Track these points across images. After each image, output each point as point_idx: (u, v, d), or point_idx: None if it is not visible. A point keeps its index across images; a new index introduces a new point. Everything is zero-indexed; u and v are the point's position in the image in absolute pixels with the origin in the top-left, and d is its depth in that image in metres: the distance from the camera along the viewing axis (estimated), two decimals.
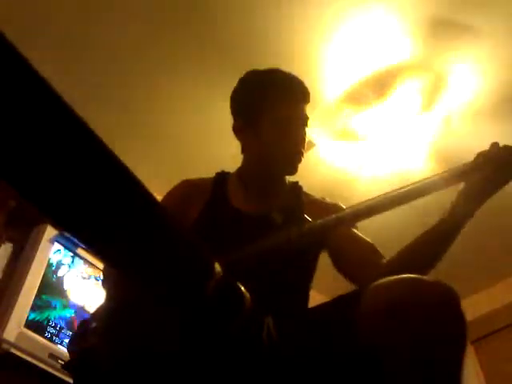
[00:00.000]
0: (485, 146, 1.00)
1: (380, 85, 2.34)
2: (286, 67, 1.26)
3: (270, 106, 1.21)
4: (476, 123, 2.44)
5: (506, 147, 0.97)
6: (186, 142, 2.60)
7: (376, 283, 0.80)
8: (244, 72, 1.29)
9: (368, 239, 1.14)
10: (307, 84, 1.26)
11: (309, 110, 1.25)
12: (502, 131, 2.38)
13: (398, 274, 0.80)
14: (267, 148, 1.21)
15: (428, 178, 1.01)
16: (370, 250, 1.12)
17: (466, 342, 0.74)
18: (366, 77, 2.31)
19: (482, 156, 0.98)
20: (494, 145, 0.99)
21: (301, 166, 1.22)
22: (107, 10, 2.08)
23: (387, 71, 2.29)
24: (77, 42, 2.18)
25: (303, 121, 1.24)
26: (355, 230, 1.16)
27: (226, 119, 1.29)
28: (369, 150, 2.57)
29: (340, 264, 1.15)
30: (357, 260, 1.12)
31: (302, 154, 1.22)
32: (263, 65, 1.28)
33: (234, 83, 1.29)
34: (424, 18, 2.09)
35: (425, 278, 0.79)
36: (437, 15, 2.07)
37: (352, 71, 2.30)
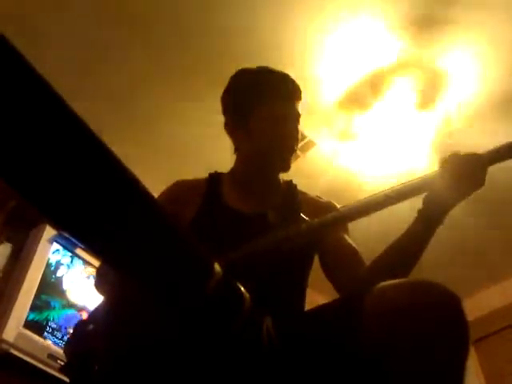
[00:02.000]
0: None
1: (376, 85, 2.35)
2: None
3: (261, 105, 1.21)
4: (477, 120, 2.43)
5: (466, 156, 0.96)
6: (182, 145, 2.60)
7: (379, 286, 0.81)
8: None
9: (354, 246, 1.15)
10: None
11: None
12: (504, 128, 2.38)
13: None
14: (259, 146, 1.21)
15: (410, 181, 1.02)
16: (352, 257, 1.12)
17: (467, 345, 0.73)
18: (361, 78, 2.33)
19: (443, 164, 0.98)
20: (455, 154, 0.98)
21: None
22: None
23: (381, 72, 2.30)
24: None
25: (294, 118, 1.24)
26: (345, 235, 1.17)
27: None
28: (369, 150, 2.57)
29: (324, 266, 1.17)
30: (338, 265, 1.13)
31: (293, 151, 1.23)
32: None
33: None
34: (407, 16, 2.11)
35: (427, 281, 0.79)
36: (419, 12, 2.09)
37: (347, 73, 2.32)
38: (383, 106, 2.41)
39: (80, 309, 2.19)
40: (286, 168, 1.23)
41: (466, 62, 2.25)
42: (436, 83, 2.34)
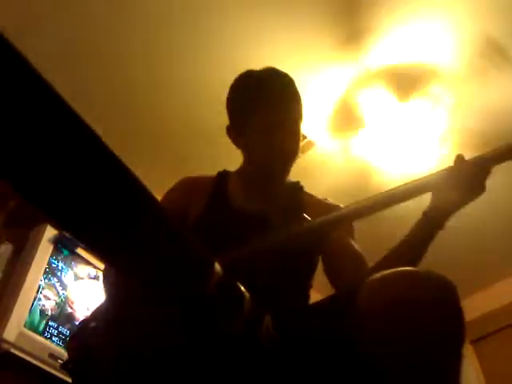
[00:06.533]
0: None
1: (411, 78, 2.32)
2: None
3: (254, 113, 1.17)
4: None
5: (469, 161, 0.98)
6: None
7: (372, 278, 0.80)
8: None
9: (359, 249, 1.14)
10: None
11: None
12: None
13: None
14: (253, 153, 1.20)
15: (415, 181, 1.02)
16: (357, 261, 1.12)
17: (463, 336, 0.74)
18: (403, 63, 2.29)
19: (449, 169, 0.99)
20: (459, 157, 0.99)
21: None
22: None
23: (424, 67, 2.28)
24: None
25: (291, 123, 1.19)
26: (351, 239, 1.16)
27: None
28: (368, 150, 2.57)
29: (327, 270, 1.17)
30: (342, 268, 1.12)
31: (292, 157, 1.20)
32: None
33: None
34: (478, 33, 2.11)
35: (420, 271, 0.79)
36: (492, 36, 2.09)
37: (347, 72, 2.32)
38: (404, 105, 2.40)
39: (81, 309, 2.19)
40: (284, 174, 1.22)
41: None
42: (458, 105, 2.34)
